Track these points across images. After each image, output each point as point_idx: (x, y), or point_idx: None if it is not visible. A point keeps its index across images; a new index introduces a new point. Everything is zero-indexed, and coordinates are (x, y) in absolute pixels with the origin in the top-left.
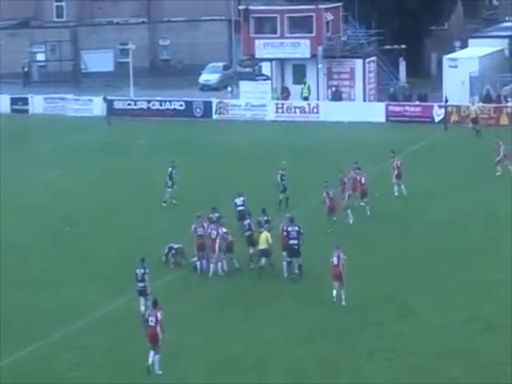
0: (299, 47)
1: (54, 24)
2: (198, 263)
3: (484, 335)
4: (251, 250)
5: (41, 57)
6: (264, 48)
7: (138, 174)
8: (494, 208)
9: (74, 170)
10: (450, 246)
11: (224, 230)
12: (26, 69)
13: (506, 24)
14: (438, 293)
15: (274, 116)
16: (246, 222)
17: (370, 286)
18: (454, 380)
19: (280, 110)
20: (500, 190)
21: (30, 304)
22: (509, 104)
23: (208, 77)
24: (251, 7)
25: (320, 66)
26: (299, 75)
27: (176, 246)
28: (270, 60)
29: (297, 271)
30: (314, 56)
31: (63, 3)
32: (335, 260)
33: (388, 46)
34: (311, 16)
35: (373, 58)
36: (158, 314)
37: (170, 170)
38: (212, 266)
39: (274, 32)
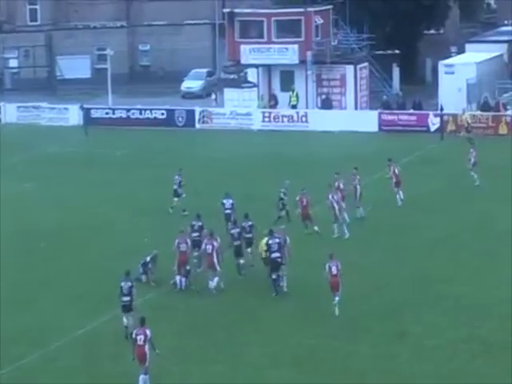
0: (287, 52)
1: (28, 28)
2: (178, 280)
3: (483, 356)
4: (241, 261)
5: (13, 63)
6: (250, 53)
7: (117, 186)
8: (492, 222)
9: (49, 183)
10: (447, 262)
11: (215, 243)
12: None
13: (504, 28)
14: (434, 312)
15: (260, 125)
16: (235, 230)
17: (362, 304)
18: None
19: (267, 119)
20: (499, 203)
21: (1, 324)
22: (508, 112)
23: (191, 84)
24: (236, 10)
25: (309, 72)
26: (287, 82)
27: (149, 257)
28: (257, 66)
29: (281, 284)
30: (302, 62)
31: (37, 6)
32: (334, 270)
33: (381, 52)
34: (300, 20)
35: (365, 64)
36: (148, 332)
37: (177, 177)
38: (216, 279)
39: (261, 36)
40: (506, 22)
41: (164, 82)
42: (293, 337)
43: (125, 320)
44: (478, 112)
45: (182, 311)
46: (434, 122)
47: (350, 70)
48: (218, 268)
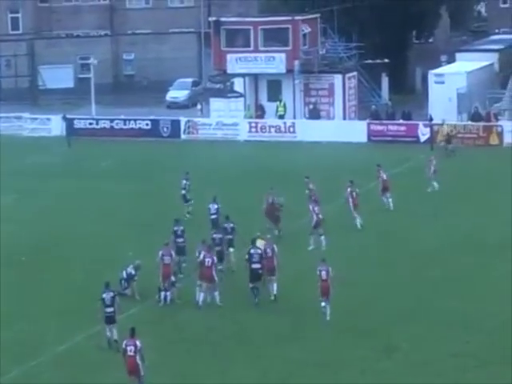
0: (274, 62)
1: (9, 37)
2: (162, 295)
3: (474, 371)
4: (220, 267)
5: None
6: (236, 63)
7: (101, 198)
8: (482, 234)
9: (31, 195)
10: (436, 275)
11: (215, 258)
12: None
13: (495, 37)
14: (423, 326)
15: (247, 136)
16: (217, 236)
17: (350, 319)
18: None
19: (254, 130)
20: (489, 216)
21: None
22: (499, 123)
23: (176, 94)
24: (222, 19)
25: (296, 81)
26: (274, 92)
27: (133, 268)
28: (243, 75)
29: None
30: (290, 71)
31: (19, 14)
32: (324, 274)
33: (370, 61)
34: (287, 28)
35: (353, 74)
36: (138, 343)
37: (185, 182)
38: (216, 293)
39: (247, 45)
40: (496, 30)
41: (149, 91)
42: (280, 352)
43: (108, 333)
44: (469, 122)
45: (168, 326)
46: (423, 133)
47: (338, 79)
48: (216, 280)
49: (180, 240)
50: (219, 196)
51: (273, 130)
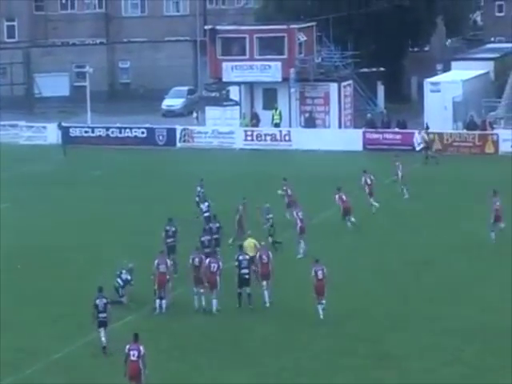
0: (270, 70)
1: (5, 45)
2: (158, 304)
3: (468, 380)
4: None
5: None
6: (232, 71)
7: (96, 207)
8: (478, 243)
9: (27, 203)
10: (431, 283)
11: (221, 264)
12: None
13: (491, 45)
14: (418, 334)
15: (242, 144)
16: (206, 238)
17: (345, 326)
18: None
19: (249, 138)
20: (485, 223)
21: None
22: (495, 131)
23: (171, 102)
24: (218, 27)
25: (292, 90)
26: (270, 100)
27: (124, 273)
28: (239, 84)
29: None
30: (285, 79)
31: (15, 23)
32: (320, 274)
33: (365, 69)
34: (283, 36)
35: (349, 82)
36: (141, 348)
37: (199, 189)
38: (215, 301)
39: (243, 54)
40: (492, 39)
41: (144, 99)
42: (275, 360)
43: (103, 338)
44: (465, 131)
45: (163, 334)
46: (419, 141)
47: (333, 87)
48: (219, 286)
49: (170, 240)
50: (215, 203)
51: (268, 138)
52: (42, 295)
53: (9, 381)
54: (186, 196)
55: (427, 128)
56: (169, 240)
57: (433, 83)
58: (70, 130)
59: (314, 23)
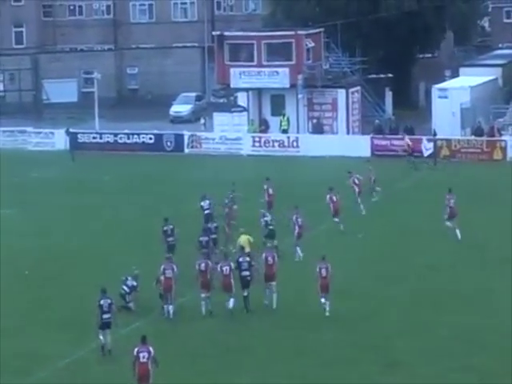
0: (278, 76)
1: (13, 51)
2: (165, 309)
3: None
4: None
5: None
6: (240, 77)
7: (104, 212)
8: (486, 250)
9: (34, 209)
10: (439, 290)
11: (232, 265)
12: None
13: (499, 51)
14: (427, 341)
15: (250, 150)
16: (204, 238)
17: (352, 333)
18: None
19: (257, 144)
20: (492, 230)
21: None
22: (503, 137)
23: (179, 108)
24: (226, 33)
25: (300, 96)
26: (278, 106)
27: (130, 279)
28: (247, 90)
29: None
30: (293, 86)
31: (23, 29)
32: (324, 272)
33: (373, 75)
34: (290, 43)
35: (357, 88)
36: (151, 349)
37: (230, 193)
38: (232, 300)
39: (251, 60)
40: (500, 45)
41: (152, 105)
42: (283, 366)
43: (102, 338)
44: (473, 137)
45: (171, 339)
46: (427, 147)
47: (341, 94)
48: (233, 289)
49: (170, 239)
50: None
51: (276, 144)
52: (50, 301)
53: None
54: (193, 202)
55: (435, 134)
56: (169, 239)
57: (441, 89)
58: (78, 136)
59: (321, 29)
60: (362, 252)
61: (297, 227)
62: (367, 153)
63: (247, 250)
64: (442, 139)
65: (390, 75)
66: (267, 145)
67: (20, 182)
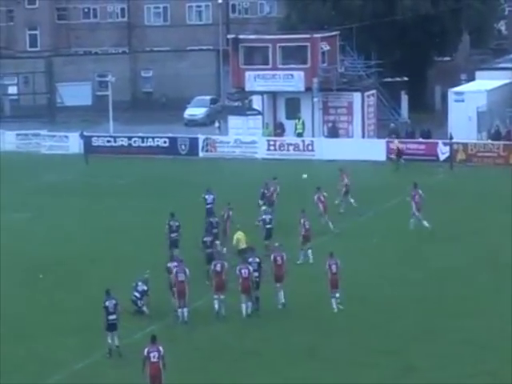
0: (293, 79)
1: (28, 54)
2: (180, 313)
3: None
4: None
5: (13, 90)
6: (255, 80)
7: (118, 216)
8: (501, 255)
9: (49, 213)
10: (453, 294)
11: (251, 268)
12: None
13: None
14: (441, 346)
15: (265, 154)
16: (208, 238)
17: (366, 338)
18: None
19: (272, 148)
20: (506, 235)
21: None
22: None
23: (194, 111)
24: (241, 36)
25: (315, 99)
26: (293, 110)
27: (140, 284)
28: (262, 93)
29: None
30: (308, 89)
31: (37, 31)
32: (334, 268)
33: (389, 79)
34: (306, 46)
35: (372, 92)
36: (161, 348)
37: (262, 190)
38: (249, 304)
39: (266, 63)
40: None
41: (167, 109)
42: (297, 370)
43: (110, 340)
44: (489, 141)
45: (185, 344)
46: (443, 151)
47: (357, 97)
48: (252, 292)
49: (174, 234)
50: (236, 213)
51: (291, 148)
52: (64, 305)
53: None
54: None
55: (451, 138)
56: (172, 235)
57: (457, 93)
58: (93, 139)
59: (337, 32)
60: (377, 256)
61: (303, 230)
62: (382, 157)
63: (243, 246)
64: (458, 143)
65: (406, 78)
66: (282, 148)
67: (33, 186)
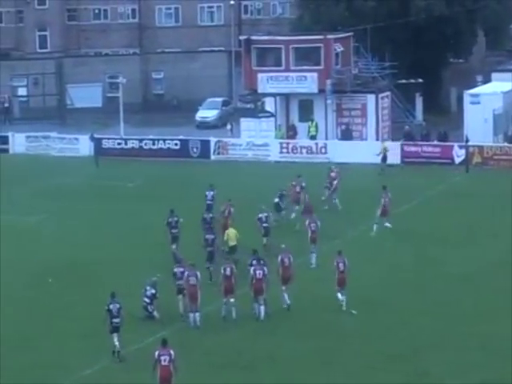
0: (306, 81)
1: (37, 55)
2: (191, 317)
3: None
4: (211, 268)
5: (22, 91)
6: (267, 82)
7: (129, 219)
8: None
9: (58, 216)
10: (469, 300)
11: (266, 269)
12: (6, 104)
13: None
14: (455, 351)
15: (278, 156)
16: (210, 236)
17: (380, 343)
18: None
19: (285, 150)
20: None
21: (5, 361)
22: None
23: (206, 113)
24: (253, 37)
25: (329, 101)
26: (306, 112)
27: (149, 288)
28: (274, 95)
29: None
30: (322, 91)
31: (47, 33)
32: (341, 266)
33: (403, 80)
34: (319, 47)
35: (387, 93)
36: (172, 352)
37: (280, 193)
38: (262, 307)
39: (279, 64)
40: None
41: (178, 111)
42: (309, 376)
43: (116, 342)
44: (505, 144)
45: (197, 349)
46: (458, 154)
47: (371, 99)
48: (264, 293)
49: (175, 231)
50: (248, 216)
51: (304, 150)
52: (74, 309)
53: None
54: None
55: (467, 141)
56: (173, 231)
57: (472, 95)
58: (103, 141)
59: (351, 33)
60: (391, 260)
61: (310, 232)
62: (397, 159)
63: (232, 243)
64: (474, 146)
65: (421, 80)
66: (295, 151)
67: (43, 189)
